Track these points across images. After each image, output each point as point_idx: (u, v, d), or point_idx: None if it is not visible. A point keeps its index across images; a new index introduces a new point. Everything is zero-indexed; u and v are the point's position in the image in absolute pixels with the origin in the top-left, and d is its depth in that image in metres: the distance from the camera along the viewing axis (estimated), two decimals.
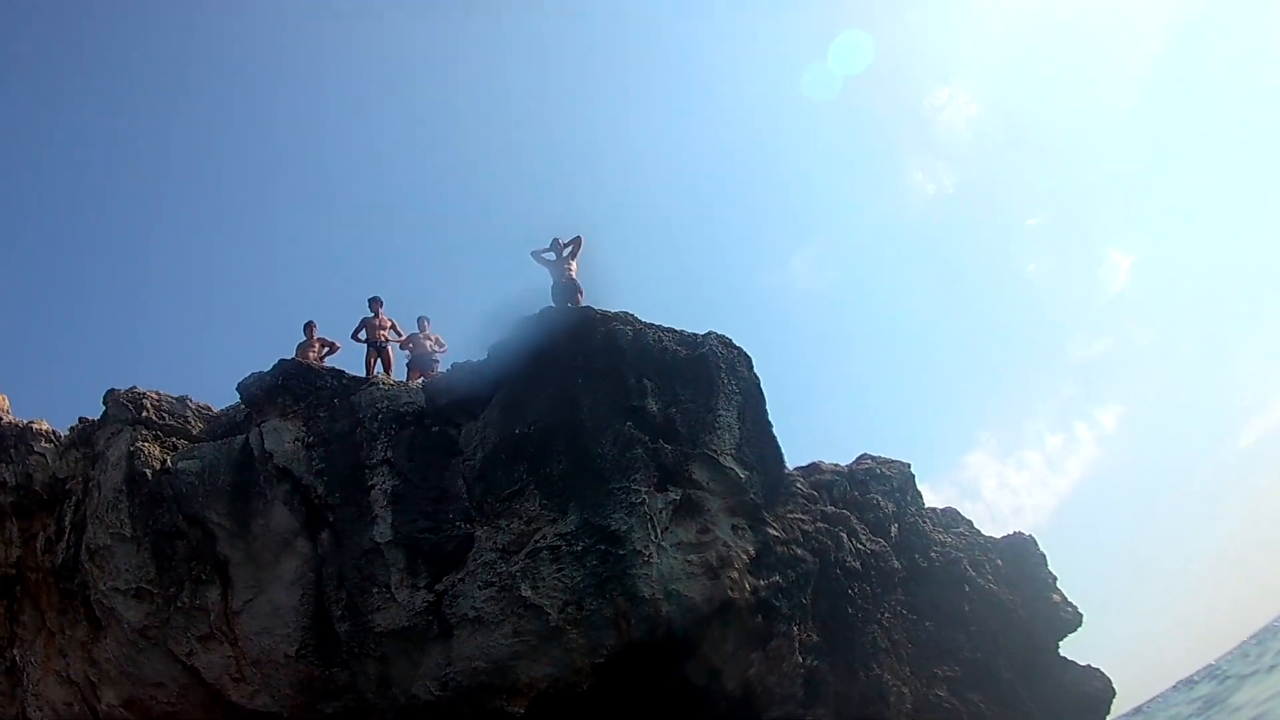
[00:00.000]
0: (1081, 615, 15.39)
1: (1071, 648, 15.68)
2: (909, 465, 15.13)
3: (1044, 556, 15.49)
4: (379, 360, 15.63)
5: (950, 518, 15.21)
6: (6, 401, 16.44)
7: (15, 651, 15.85)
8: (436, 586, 12.54)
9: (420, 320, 16.20)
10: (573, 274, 14.04)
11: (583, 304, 13.69)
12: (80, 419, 15.63)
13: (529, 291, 13.98)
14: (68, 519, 15.20)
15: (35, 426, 15.93)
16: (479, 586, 12.37)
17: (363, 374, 14.86)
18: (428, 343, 15.71)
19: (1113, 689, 16.03)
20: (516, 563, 12.28)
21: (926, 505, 15.20)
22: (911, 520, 14.35)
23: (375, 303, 16.39)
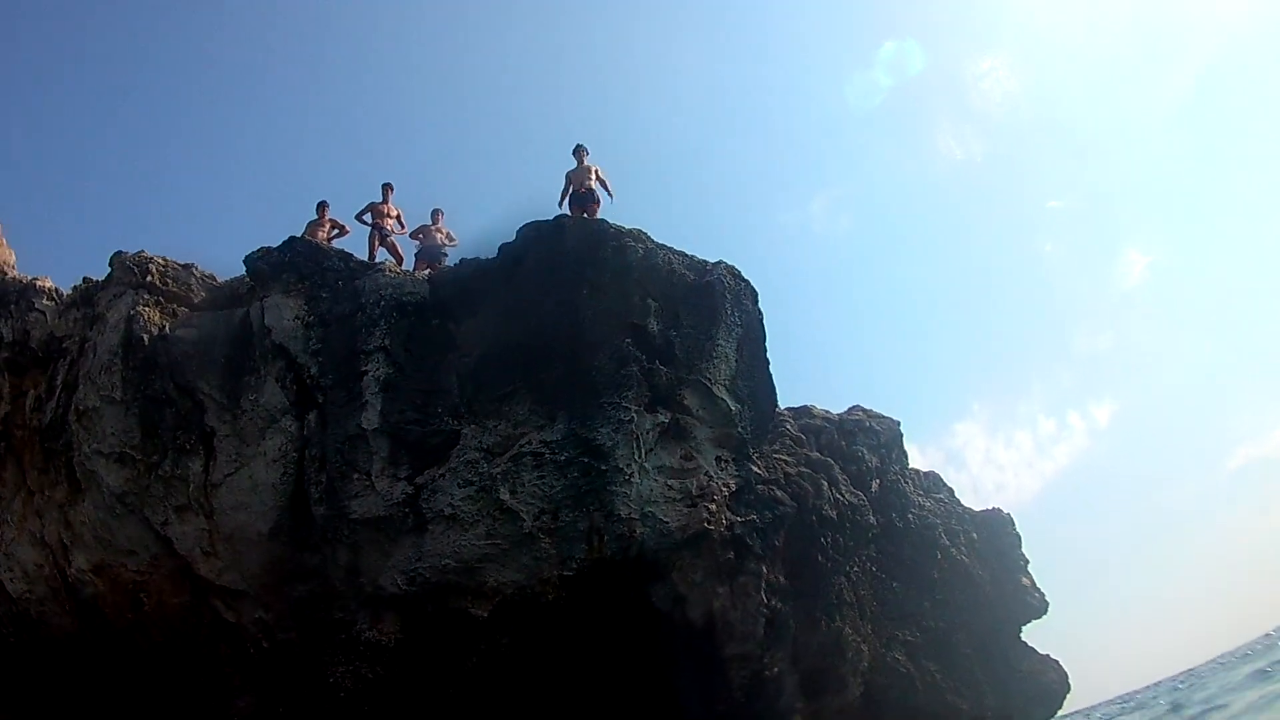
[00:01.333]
0: (1048, 603, 15.50)
1: (1032, 635, 15.79)
2: (899, 423, 15.20)
3: (1019, 537, 15.57)
4: (382, 246, 15.62)
5: (932, 482, 15.27)
6: (13, 257, 16.47)
7: None
8: (417, 479, 12.59)
9: (434, 212, 16.13)
10: (591, 184, 14.06)
11: (598, 215, 13.73)
12: (84, 279, 15.63)
13: (545, 196, 14.04)
14: (60, 378, 15.17)
15: (38, 283, 15.92)
16: (459, 484, 12.43)
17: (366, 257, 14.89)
18: (439, 235, 15.67)
19: (1068, 684, 16.15)
20: (499, 465, 12.34)
21: (911, 466, 15.26)
22: (894, 478, 14.41)
23: (386, 189, 16.31)
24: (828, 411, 14.91)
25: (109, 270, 14.98)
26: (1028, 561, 15.47)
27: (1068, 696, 16.34)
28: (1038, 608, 15.37)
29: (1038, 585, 15.37)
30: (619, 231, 12.68)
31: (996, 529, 15.38)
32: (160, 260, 14.65)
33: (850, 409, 15.29)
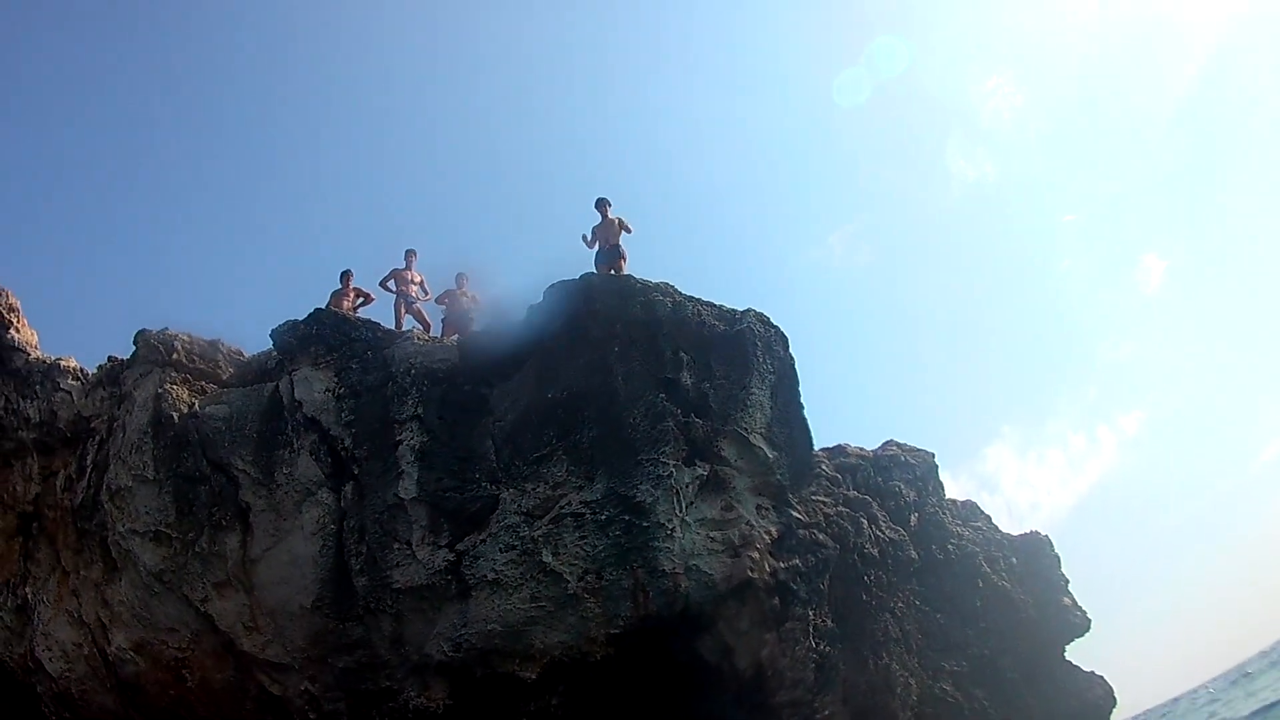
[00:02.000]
0: (1090, 620, 15.45)
1: (1075, 652, 15.77)
2: (933, 455, 15.19)
3: (1058, 558, 15.56)
4: (409, 313, 15.62)
5: (970, 511, 15.26)
6: (35, 338, 16.48)
7: (28, 590, 15.84)
8: (458, 546, 12.58)
9: (459, 277, 16.15)
10: (617, 241, 14.08)
11: (624, 272, 13.74)
12: (109, 358, 15.67)
13: (571, 256, 14.07)
14: (90, 458, 15.22)
15: (63, 363, 15.97)
16: (500, 549, 12.42)
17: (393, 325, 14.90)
18: (465, 299, 15.70)
19: (1114, 698, 16.10)
20: (540, 527, 12.32)
21: (947, 496, 15.26)
22: (932, 511, 14.40)
23: (409, 255, 16.40)
24: (862, 449, 14.92)
25: (134, 349, 15.01)
26: (1068, 581, 15.47)
27: (1114, 710, 16.30)
28: (1080, 626, 15.36)
29: (1079, 604, 15.36)
30: (646, 286, 12.69)
31: (1036, 552, 15.37)
32: (185, 337, 14.68)
33: (885, 444, 15.30)
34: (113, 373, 15.33)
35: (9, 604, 15.97)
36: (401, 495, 12.73)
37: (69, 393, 15.63)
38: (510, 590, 12.43)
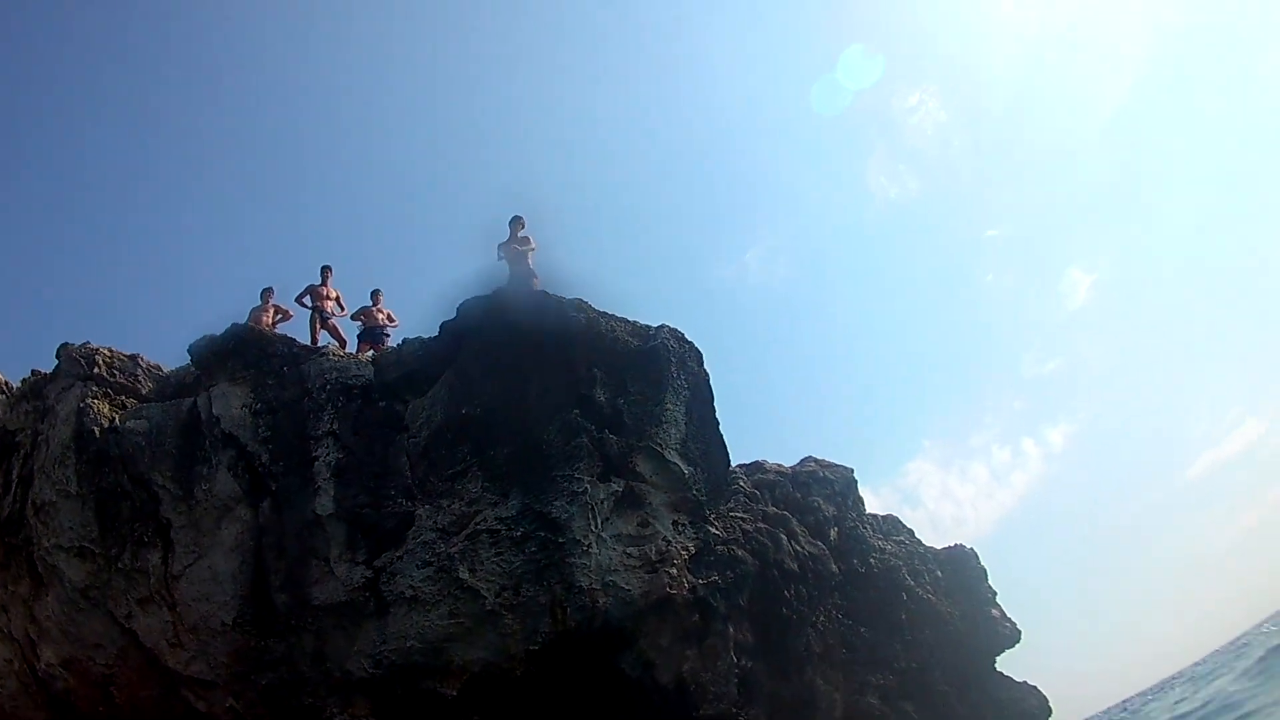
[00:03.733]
0: (1020, 631, 15.49)
1: (1010, 663, 15.80)
2: (852, 470, 15.21)
3: (984, 570, 15.58)
4: (324, 329, 15.55)
5: (891, 525, 15.27)
6: None
7: None
8: (375, 563, 12.53)
9: (374, 293, 16.15)
10: (530, 262, 14.02)
11: (537, 288, 13.68)
12: (33, 371, 15.54)
13: (485, 272, 14.01)
14: (15, 472, 15.07)
15: None
16: (417, 565, 12.38)
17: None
18: (380, 315, 15.66)
19: (1049, 706, 16.14)
20: (456, 544, 12.29)
21: (868, 511, 15.28)
22: (852, 525, 14.41)
23: (325, 271, 16.30)
24: (780, 465, 14.91)
25: (56, 362, 14.88)
26: (996, 593, 15.49)
27: (1050, 719, 16.33)
28: (1010, 637, 15.38)
29: (1008, 615, 15.39)
30: (560, 301, 12.66)
31: (961, 565, 15.38)
32: (106, 351, 14.57)
33: (803, 460, 15.28)
34: (36, 386, 15.19)
35: None
36: (319, 511, 12.68)
37: None
38: (428, 607, 12.40)
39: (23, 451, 15.07)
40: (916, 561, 14.68)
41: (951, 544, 15.67)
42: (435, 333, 13.35)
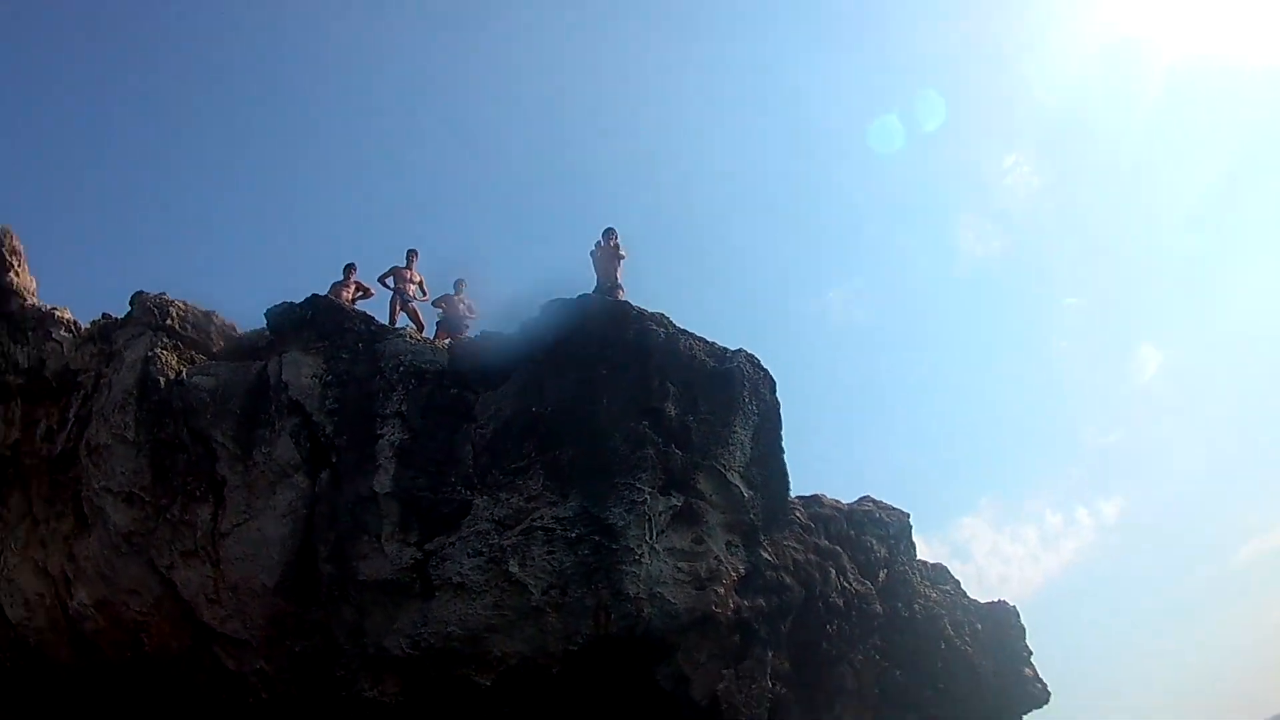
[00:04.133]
0: (1049, 693, 15.44)
1: None
2: (908, 515, 15.19)
3: (1024, 629, 15.54)
4: (403, 311, 15.66)
5: (939, 574, 15.26)
6: (34, 284, 16.47)
7: None
8: (426, 546, 12.56)
9: (457, 283, 16.25)
10: (618, 273, 14.11)
11: (621, 298, 13.73)
12: (103, 314, 15.65)
13: (569, 277, 14.11)
14: (73, 411, 15.21)
15: (57, 313, 15.94)
16: (468, 554, 12.40)
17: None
18: (461, 305, 15.75)
19: None
20: (509, 537, 12.32)
21: (918, 558, 15.26)
22: (901, 569, 14.40)
23: (411, 254, 16.47)
24: (838, 501, 14.91)
25: (129, 309, 15.00)
26: (1031, 653, 15.45)
27: None
28: (1039, 697, 15.34)
29: (1040, 676, 15.33)
30: (641, 314, 12.70)
31: (1002, 621, 15.35)
32: (181, 305, 14.68)
33: (860, 499, 15.29)
34: (105, 330, 15.31)
35: None
36: (376, 489, 12.72)
37: (60, 343, 15.61)
38: (474, 595, 12.42)
39: (83, 392, 15.20)
40: (959, 612, 14.66)
41: (995, 600, 15.64)
42: (515, 329, 13.41)
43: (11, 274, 16.50)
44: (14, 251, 16.65)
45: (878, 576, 14.00)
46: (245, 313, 15.74)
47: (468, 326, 15.51)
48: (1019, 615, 15.62)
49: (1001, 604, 15.67)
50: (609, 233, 14.71)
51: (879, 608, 13.59)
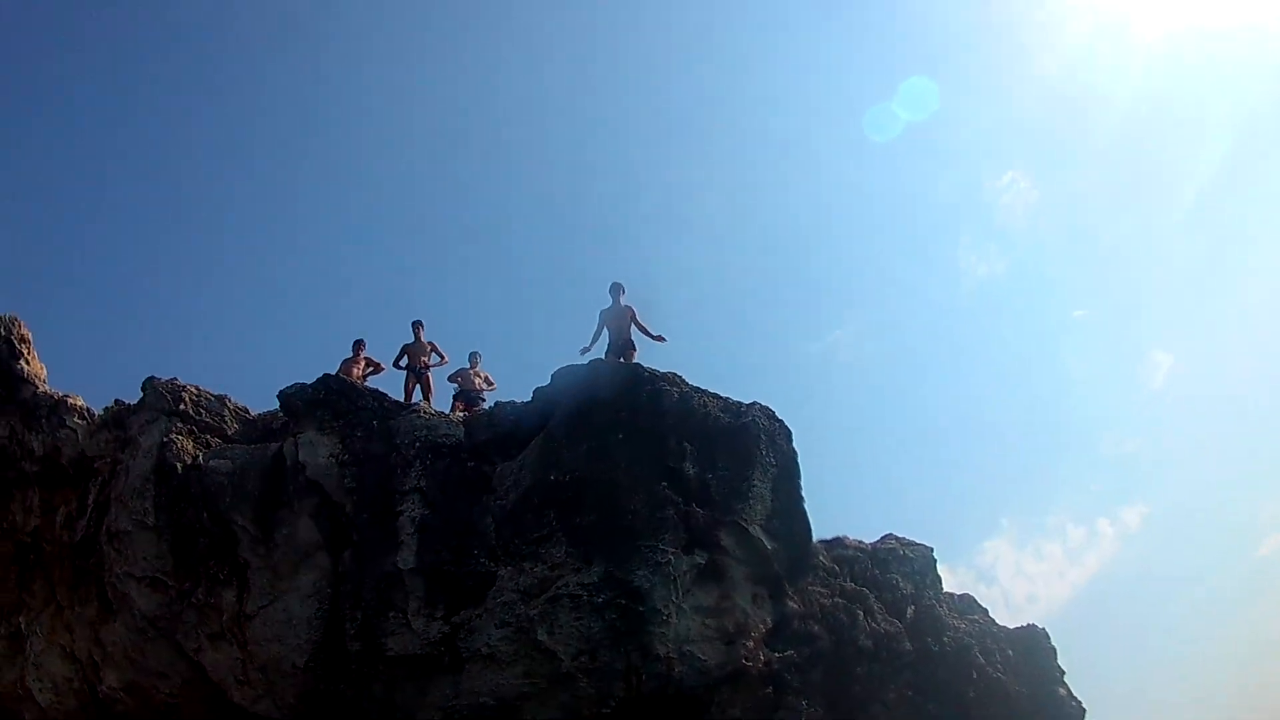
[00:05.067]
0: (1084, 710, 15.38)
1: None
2: (931, 549, 15.16)
3: (1055, 650, 15.48)
4: (417, 385, 15.70)
5: (967, 604, 15.24)
6: (44, 371, 16.52)
7: (21, 619, 15.90)
8: (453, 619, 12.59)
9: (472, 356, 16.36)
10: (630, 332, 14.11)
11: (633, 361, 13.75)
12: (116, 401, 15.69)
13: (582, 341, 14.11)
14: (91, 498, 15.27)
15: (70, 401, 16.00)
16: (496, 624, 12.42)
17: (401, 398, 14.92)
18: (476, 379, 15.79)
19: None
20: (536, 606, 12.33)
21: (944, 589, 15.25)
22: (929, 604, 14.38)
23: (416, 326, 16.54)
24: (860, 541, 14.90)
25: (141, 395, 15.03)
26: (1064, 672, 15.38)
27: None
28: (1075, 715, 15.28)
29: (1074, 694, 15.30)
30: (653, 376, 12.71)
31: (1033, 644, 15.32)
32: (193, 389, 14.72)
33: (883, 538, 15.27)
34: (119, 416, 15.36)
35: (2, 631, 16.02)
36: (400, 565, 12.75)
37: (74, 430, 15.66)
38: (504, 665, 12.45)
39: (100, 479, 15.25)
40: (989, 641, 14.62)
41: (1025, 623, 15.62)
42: (529, 398, 13.42)
43: (21, 362, 16.56)
44: (22, 339, 16.72)
45: (905, 614, 13.97)
46: (256, 394, 15.77)
47: (484, 399, 15.53)
48: (1049, 637, 15.58)
49: (1031, 628, 15.64)
50: (616, 288, 14.71)
51: (908, 645, 13.56)
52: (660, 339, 14.61)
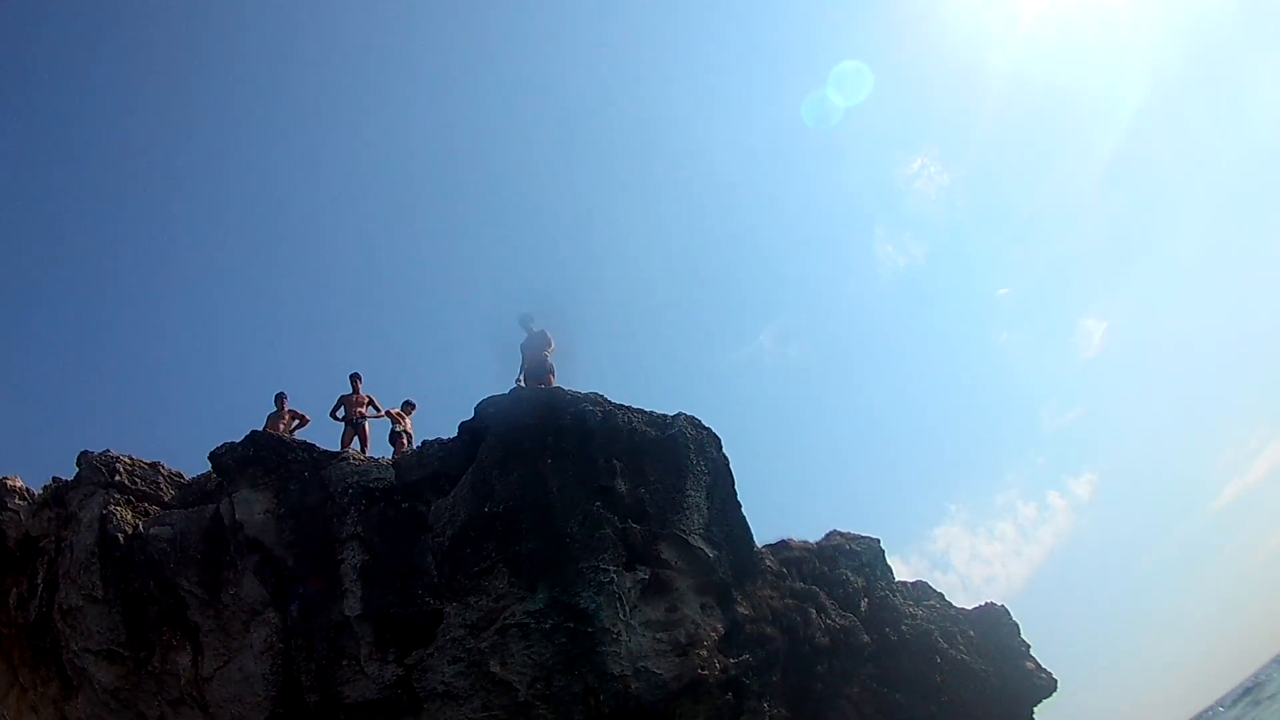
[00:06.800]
0: (1055, 681, 15.39)
1: (1047, 713, 15.69)
2: (878, 540, 15.17)
3: (1017, 625, 15.49)
4: (355, 437, 15.67)
5: (921, 591, 15.23)
6: None
7: None
8: (406, 660, 12.55)
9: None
10: (547, 359, 14.09)
11: (553, 385, 13.73)
12: (54, 478, 15.59)
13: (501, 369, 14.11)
14: (40, 577, 15.17)
15: (9, 483, 15.85)
16: (448, 662, 12.39)
17: (336, 448, 14.87)
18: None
19: None
20: (485, 639, 12.30)
21: (897, 579, 15.23)
22: (881, 595, 14.37)
23: (354, 379, 16.50)
24: (806, 541, 14.87)
25: (77, 470, 14.94)
26: (1029, 646, 15.39)
27: None
28: (1047, 686, 15.30)
29: (1043, 667, 15.30)
30: (576, 397, 12.68)
31: (993, 622, 15.31)
32: (127, 459, 14.64)
33: (828, 535, 15.23)
34: (58, 493, 15.25)
35: None
36: (347, 613, 12.70)
37: (16, 512, 15.53)
38: (461, 700, 12.41)
39: (47, 557, 15.15)
40: (949, 624, 14.62)
41: (983, 603, 15.61)
42: (454, 433, 13.38)
43: None
44: None
45: (859, 607, 13.96)
46: (186, 456, 15.70)
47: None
48: (1009, 613, 15.57)
49: (990, 605, 15.63)
50: (526, 318, 14.73)
51: (866, 638, 13.55)
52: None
